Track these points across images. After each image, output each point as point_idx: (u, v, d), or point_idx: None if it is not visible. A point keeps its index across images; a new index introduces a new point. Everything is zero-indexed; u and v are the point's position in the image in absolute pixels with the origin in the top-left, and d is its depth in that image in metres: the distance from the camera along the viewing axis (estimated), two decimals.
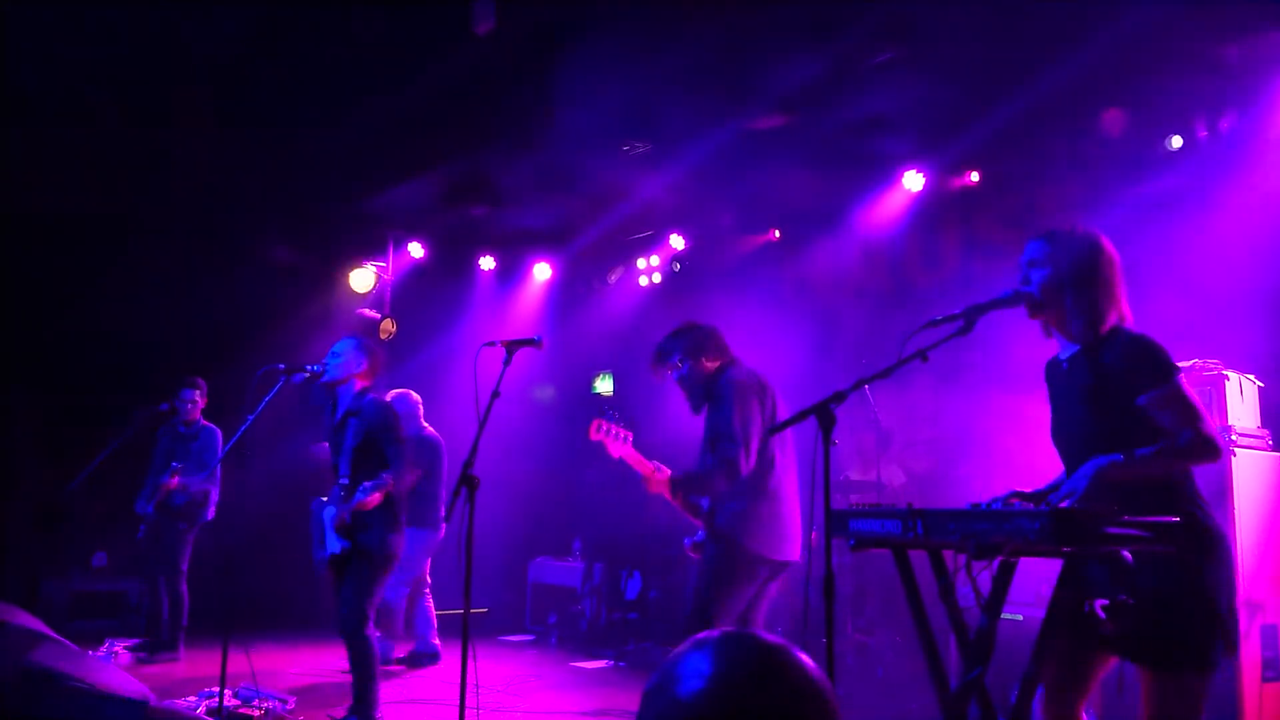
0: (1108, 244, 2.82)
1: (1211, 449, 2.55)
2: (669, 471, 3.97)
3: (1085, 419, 2.74)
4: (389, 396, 7.00)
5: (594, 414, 4.09)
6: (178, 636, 7.06)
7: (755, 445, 3.89)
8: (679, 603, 7.23)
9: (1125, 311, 2.80)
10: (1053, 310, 2.80)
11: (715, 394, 4.03)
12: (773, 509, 3.93)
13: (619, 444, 3.99)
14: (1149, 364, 2.62)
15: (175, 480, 6.86)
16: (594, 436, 4.00)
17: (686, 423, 4.41)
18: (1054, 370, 2.92)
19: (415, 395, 7.11)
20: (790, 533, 3.98)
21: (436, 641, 6.94)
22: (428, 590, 7.04)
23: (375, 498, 4.70)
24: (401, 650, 6.85)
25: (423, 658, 6.86)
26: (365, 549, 4.78)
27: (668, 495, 4.00)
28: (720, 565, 3.88)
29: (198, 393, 7.35)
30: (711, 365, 4.16)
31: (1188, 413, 2.57)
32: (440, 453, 7.02)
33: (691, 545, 4.17)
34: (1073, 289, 2.76)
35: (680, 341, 4.21)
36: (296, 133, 6.90)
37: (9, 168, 7.13)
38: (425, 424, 7.08)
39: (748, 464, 3.85)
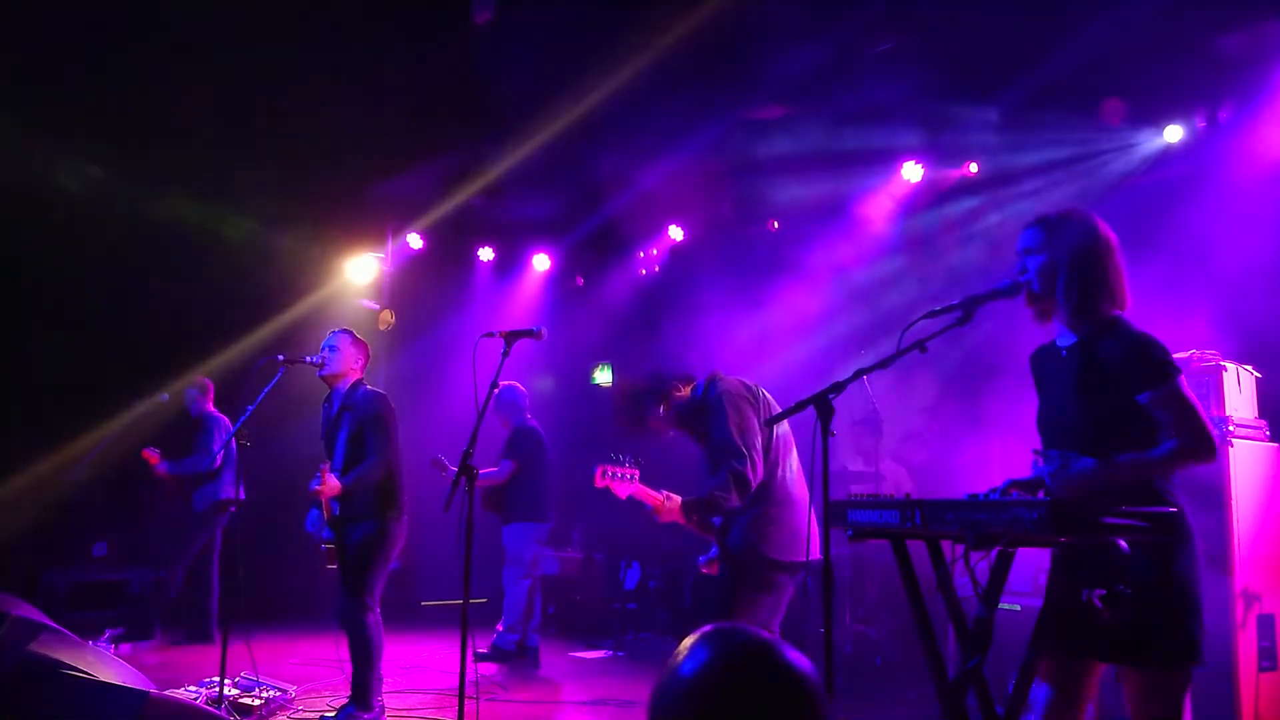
0: (1103, 226, 2.79)
1: (1209, 451, 2.54)
2: (679, 500, 3.81)
3: (1077, 410, 2.73)
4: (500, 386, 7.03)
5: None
6: (154, 622, 7.12)
7: (760, 453, 3.77)
8: (678, 592, 7.25)
9: (1125, 295, 2.77)
10: (1050, 298, 2.78)
11: (706, 410, 3.86)
12: (784, 513, 3.80)
13: (625, 484, 3.83)
14: (1150, 363, 2.59)
15: (159, 464, 6.98)
16: (600, 484, 3.82)
17: None
18: (1047, 356, 2.91)
19: (521, 387, 7.09)
20: (804, 532, 3.84)
21: (536, 635, 6.93)
22: (537, 585, 7.03)
23: (329, 491, 4.72)
24: (483, 645, 6.82)
25: (526, 650, 6.84)
26: (357, 539, 4.82)
27: (681, 522, 3.86)
28: (738, 580, 3.78)
29: (196, 391, 7.46)
30: (686, 390, 3.99)
31: (1186, 414, 2.54)
32: (542, 443, 6.96)
33: (705, 562, 4.04)
34: (1069, 275, 2.73)
35: (642, 399, 4.01)
36: (297, 122, 6.88)
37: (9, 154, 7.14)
38: (529, 415, 7.05)
39: (756, 474, 3.72)
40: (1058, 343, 2.87)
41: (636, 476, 3.84)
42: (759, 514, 3.77)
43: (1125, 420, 2.62)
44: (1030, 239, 2.83)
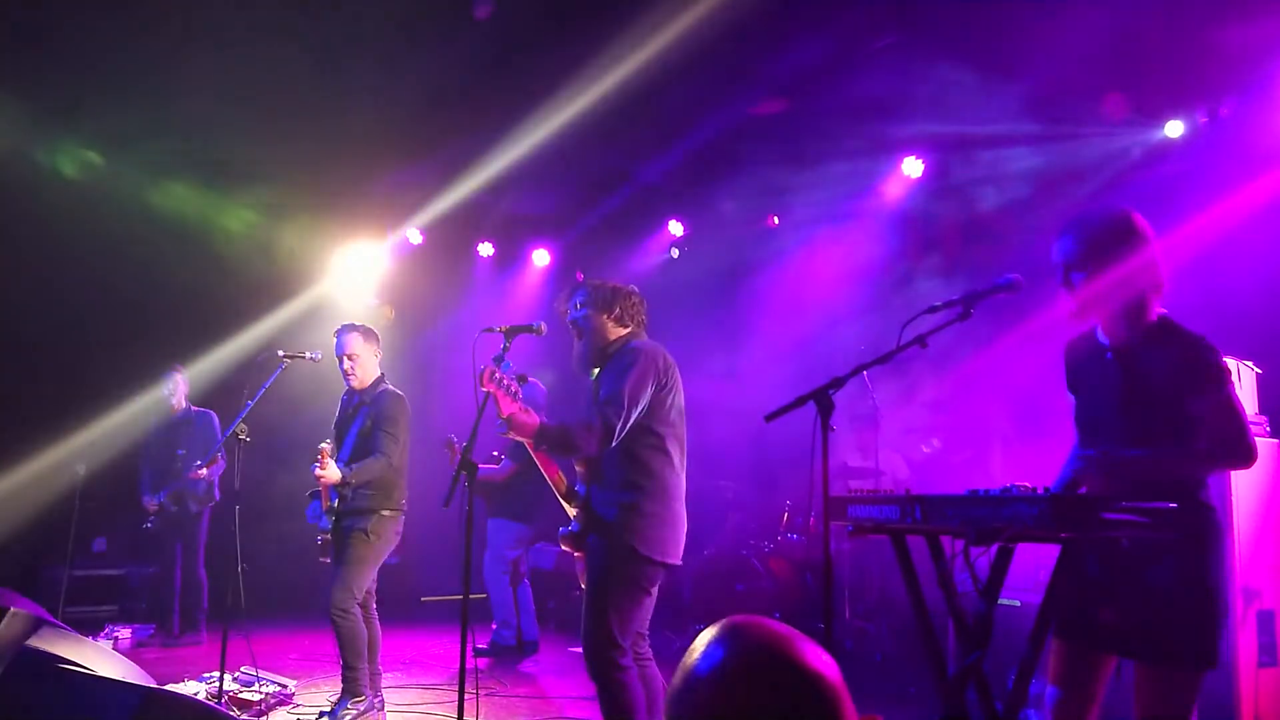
0: (1139, 221, 2.72)
1: (1248, 457, 2.55)
2: (537, 420, 3.47)
3: (1122, 414, 2.69)
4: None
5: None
6: (199, 619, 7.15)
7: (634, 418, 3.52)
8: (677, 587, 7.25)
9: (1163, 285, 2.71)
10: (1094, 306, 2.73)
11: (618, 358, 3.65)
12: (663, 509, 3.58)
13: (510, 401, 3.45)
14: (1202, 367, 2.57)
15: (204, 471, 6.94)
16: (486, 386, 3.40)
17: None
18: (1087, 353, 2.85)
19: (543, 385, 7.06)
20: (679, 535, 3.66)
21: (535, 628, 6.96)
22: (525, 581, 7.06)
23: (328, 477, 4.73)
24: (483, 640, 6.84)
25: (526, 646, 6.86)
26: (352, 532, 4.85)
27: (529, 442, 3.52)
28: (614, 570, 3.52)
29: (180, 377, 7.39)
30: (618, 330, 3.78)
31: (1233, 420, 2.54)
32: None
33: (565, 537, 3.75)
34: (1108, 278, 2.67)
35: (595, 290, 3.80)
36: (299, 113, 6.87)
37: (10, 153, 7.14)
38: (545, 416, 6.99)
39: (622, 432, 3.50)
40: (1100, 340, 2.81)
41: (520, 397, 3.50)
42: (634, 504, 3.53)
43: (1168, 427, 2.59)
44: (1067, 251, 2.75)
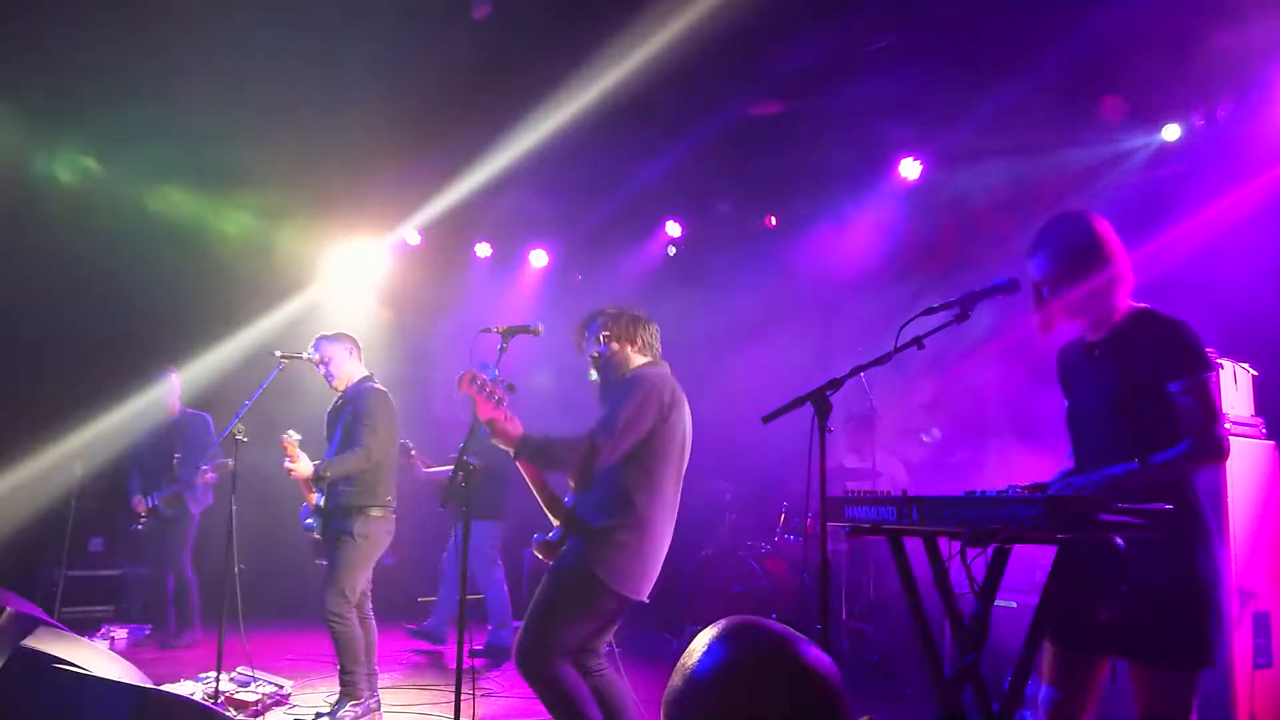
0: (1098, 223, 2.75)
1: (1220, 453, 2.54)
2: (520, 428, 3.39)
3: (1109, 413, 2.69)
4: None
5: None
6: (194, 617, 7.17)
7: (626, 446, 3.43)
8: (672, 587, 7.25)
9: (1129, 280, 2.73)
10: (1072, 316, 2.76)
11: (624, 384, 3.56)
12: (636, 541, 3.45)
13: (490, 405, 3.32)
14: (1183, 350, 2.57)
15: (212, 476, 6.95)
16: (465, 390, 3.29)
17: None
18: (1077, 353, 2.87)
19: (513, 388, 7.05)
20: (650, 571, 3.53)
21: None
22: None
23: (299, 471, 4.78)
24: (479, 641, 6.83)
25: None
26: (338, 532, 4.85)
27: (510, 449, 3.45)
28: (572, 586, 3.42)
29: (175, 378, 7.39)
30: (638, 360, 3.71)
31: (1208, 411, 2.52)
32: None
33: (542, 544, 3.63)
34: (1082, 283, 2.70)
35: (614, 320, 3.74)
36: (295, 115, 6.86)
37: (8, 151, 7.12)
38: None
39: (610, 459, 3.42)
40: (1086, 339, 2.83)
41: (504, 404, 3.38)
42: (608, 531, 3.43)
43: (1154, 424, 2.58)
44: (1041, 268, 2.78)
